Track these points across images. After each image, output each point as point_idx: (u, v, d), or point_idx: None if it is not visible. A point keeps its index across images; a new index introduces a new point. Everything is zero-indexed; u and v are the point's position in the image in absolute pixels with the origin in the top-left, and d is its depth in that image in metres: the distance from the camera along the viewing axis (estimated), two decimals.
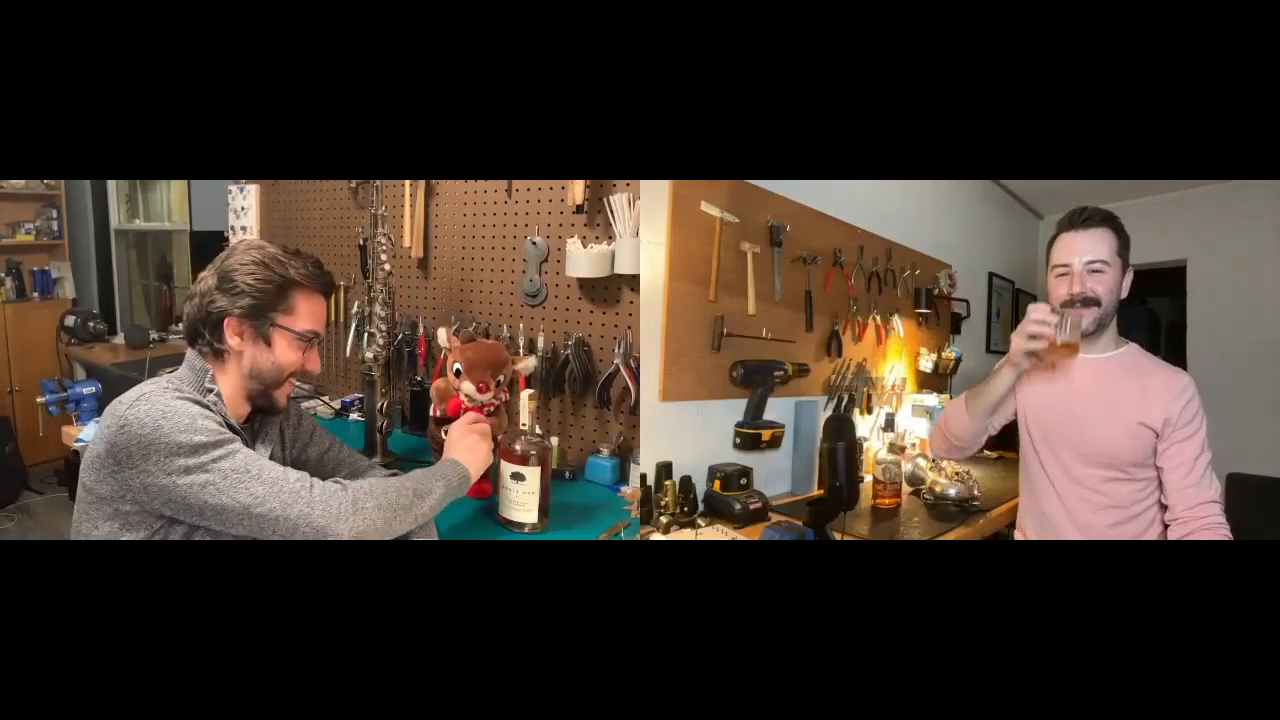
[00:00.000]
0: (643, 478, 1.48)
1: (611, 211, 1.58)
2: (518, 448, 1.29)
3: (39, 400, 1.93)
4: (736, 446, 1.71)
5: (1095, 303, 1.24)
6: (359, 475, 1.26)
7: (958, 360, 2.55)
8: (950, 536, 1.64)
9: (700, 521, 1.53)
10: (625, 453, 1.64)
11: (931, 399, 2.36)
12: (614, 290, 1.66)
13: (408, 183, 2.07)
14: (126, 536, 0.95)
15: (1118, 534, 1.29)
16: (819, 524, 1.38)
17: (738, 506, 1.54)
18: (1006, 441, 2.45)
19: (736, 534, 1.48)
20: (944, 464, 1.96)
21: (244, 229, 2.67)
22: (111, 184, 4.28)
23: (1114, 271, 1.25)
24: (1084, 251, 1.24)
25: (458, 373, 1.44)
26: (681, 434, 1.60)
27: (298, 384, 1.15)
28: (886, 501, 1.80)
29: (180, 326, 1.32)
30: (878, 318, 2.26)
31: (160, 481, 0.92)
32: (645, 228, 1.52)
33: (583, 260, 1.62)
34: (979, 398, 1.36)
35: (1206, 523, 1.22)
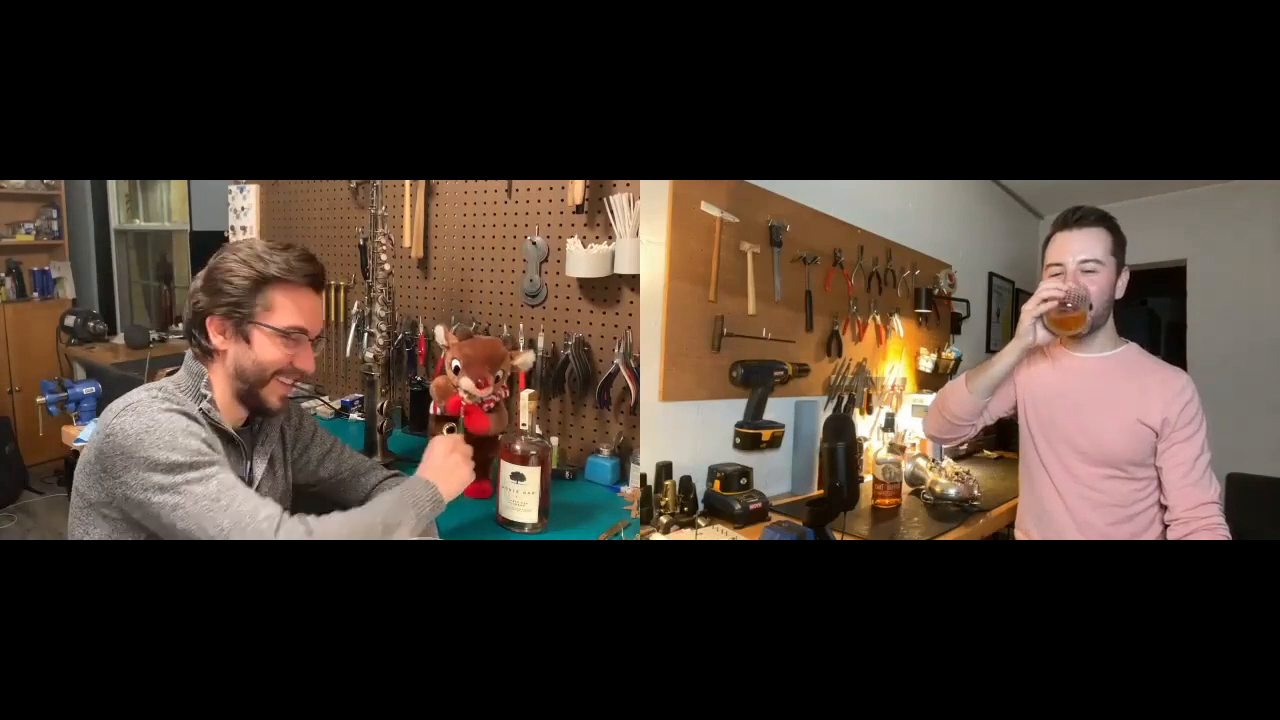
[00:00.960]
0: (643, 478, 1.48)
1: (611, 211, 1.58)
2: (518, 448, 1.29)
3: (39, 400, 1.93)
4: (736, 446, 1.71)
5: (1087, 305, 1.24)
6: (361, 478, 1.26)
7: (958, 360, 2.54)
8: (950, 536, 1.64)
9: (700, 521, 1.53)
10: (625, 453, 1.64)
11: (931, 399, 2.35)
12: (614, 290, 1.66)
13: (408, 183, 2.07)
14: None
15: (1117, 533, 1.30)
16: (819, 524, 1.38)
17: (738, 506, 1.54)
18: (1006, 441, 2.46)
19: (736, 534, 1.47)
20: (944, 464, 1.96)
21: (244, 229, 2.67)
22: (111, 184, 4.28)
23: (1108, 271, 1.25)
24: (1078, 251, 1.25)
25: (456, 369, 1.44)
26: (681, 434, 1.60)
27: (299, 384, 1.14)
28: (886, 501, 1.80)
29: (180, 326, 1.32)
30: (878, 318, 2.26)
31: (137, 496, 0.93)
32: (645, 228, 1.52)
33: (583, 260, 1.62)
34: (981, 374, 1.36)
35: (1206, 523, 1.22)
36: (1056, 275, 1.26)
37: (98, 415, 1.16)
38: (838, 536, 1.42)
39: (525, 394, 1.38)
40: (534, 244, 1.78)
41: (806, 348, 1.97)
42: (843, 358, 2.10)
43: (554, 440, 1.69)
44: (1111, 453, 1.28)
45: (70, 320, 3.67)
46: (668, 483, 1.50)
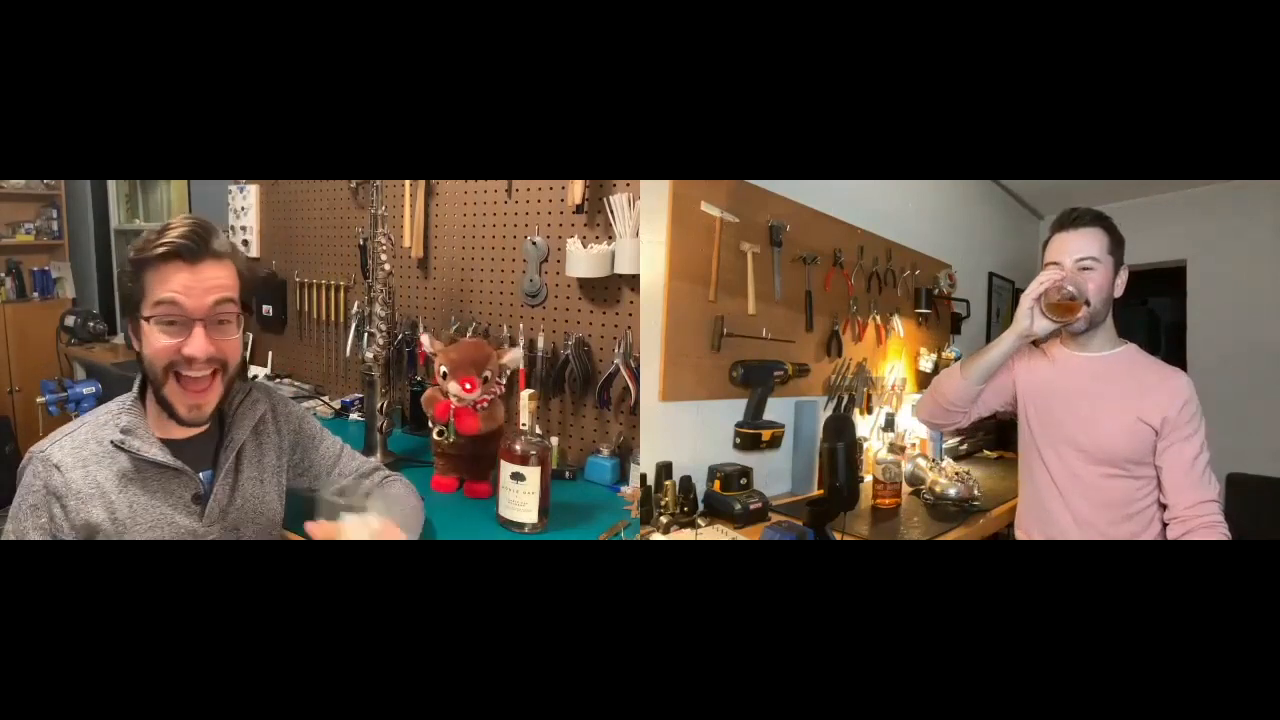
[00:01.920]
0: (643, 478, 1.48)
1: (611, 211, 1.58)
2: (518, 448, 1.29)
3: (39, 400, 1.94)
4: (736, 446, 1.71)
5: (1084, 300, 1.25)
6: (364, 480, 1.24)
7: (958, 360, 2.54)
8: (950, 536, 1.64)
9: (700, 521, 1.53)
10: (625, 453, 1.64)
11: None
12: (614, 290, 1.66)
13: (408, 183, 2.07)
14: None
15: (1117, 531, 1.30)
16: (819, 524, 1.38)
17: (738, 506, 1.54)
18: (1006, 441, 2.46)
19: (736, 534, 1.47)
20: (944, 464, 1.96)
21: (244, 229, 2.67)
22: (111, 184, 4.27)
23: (1105, 268, 1.27)
24: (1075, 250, 1.27)
25: (445, 375, 1.45)
26: (681, 434, 1.60)
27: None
28: (886, 501, 1.80)
29: None
30: (878, 318, 2.26)
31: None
32: (645, 228, 1.52)
33: (583, 260, 1.62)
34: (976, 360, 1.38)
35: (1205, 521, 1.23)
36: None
37: None
38: (838, 536, 1.42)
39: (525, 394, 1.38)
40: (534, 244, 1.78)
41: (806, 348, 1.97)
42: (843, 358, 2.10)
43: (554, 440, 1.69)
44: (1112, 451, 1.28)
45: (70, 320, 3.67)
46: (668, 483, 1.50)
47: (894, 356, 2.37)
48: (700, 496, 1.60)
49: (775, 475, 1.87)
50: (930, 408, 1.49)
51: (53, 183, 4.04)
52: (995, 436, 2.56)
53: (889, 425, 2.20)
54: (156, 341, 0.95)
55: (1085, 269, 1.26)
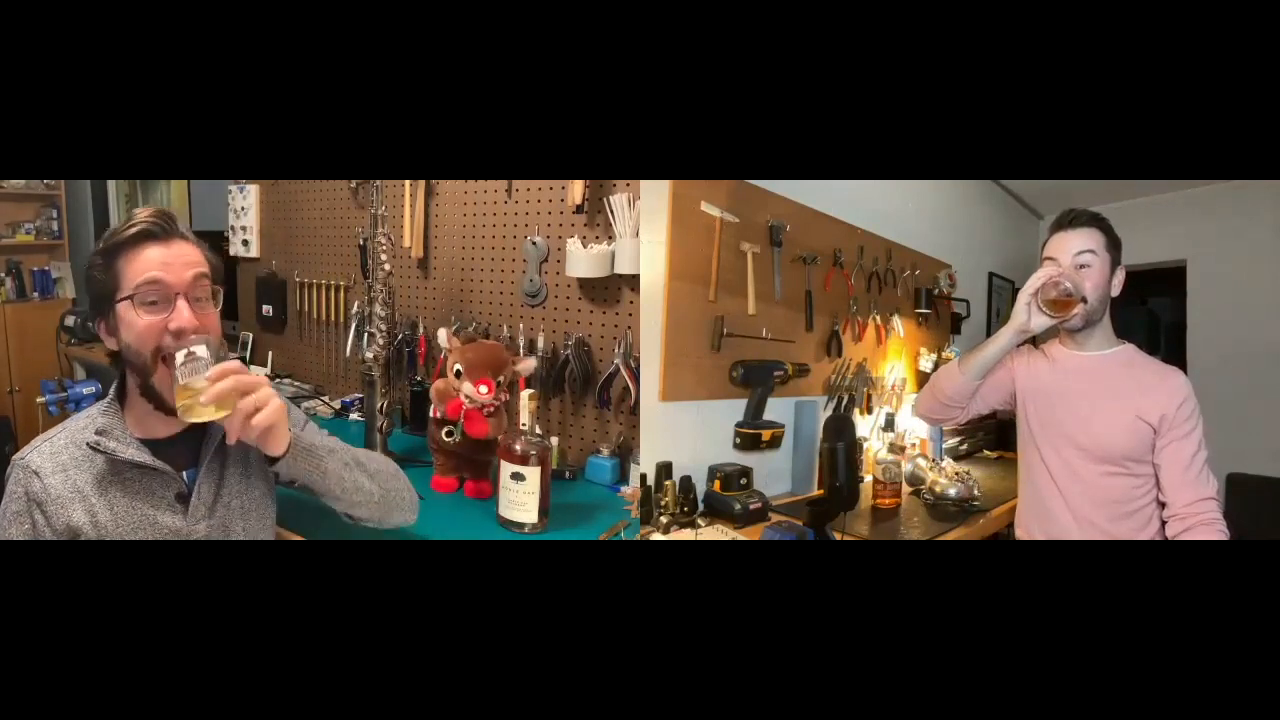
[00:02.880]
0: (643, 478, 1.48)
1: (611, 211, 1.58)
2: (518, 448, 1.29)
3: (39, 400, 1.93)
4: (736, 446, 1.71)
5: (1080, 296, 1.26)
6: None
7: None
8: (950, 536, 1.64)
9: (700, 521, 1.53)
10: (625, 453, 1.64)
11: None
12: (614, 290, 1.66)
13: (408, 183, 2.07)
14: None
15: (1117, 529, 1.31)
16: (819, 524, 1.38)
17: (738, 506, 1.54)
18: (1006, 441, 2.46)
19: (736, 534, 1.47)
20: (944, 464, 1.96)
21: (244, 229, 2.67)
22: (111, 184, 4.28)
23: (1101, 266, 1.28)
24: (1071, 248, 1.28)
25: (458, 374, 1.44)
26: (681, 434, 1.60)
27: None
28: (886, 501, 1.80)
29: None
30: (878, 318, 2.26)
31: None
32: (645, 228, 1.52)
33: (583, 260, 1.62)
34: (974, 356, 1.38)
35: (1203, 519, 1.24)
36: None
37: None
38: (838, 536, 1.42)
39: (525, 394, 1.38)
40: (534, 244, 1.78)
41: (806, 348, 1.97)
42: (843, 358, 2.10)
43: (554, 440, 1.69)
44: (1112, 449, 1.29)
45: (70, 320, 3.66)
46: (668, 483, 1.50)
47: (894, 356, 2.37)
48: (700, 496, 1.60)
49: (775, 475, 1.87)
50: (929, 403, 1.50)
51: (53, 183, 4.03)
52: (995, 436, 2.56)
53: (889, 425, 2.20)
54: (140, 322, 0.94)
55: (1082, 267, 1.27)
